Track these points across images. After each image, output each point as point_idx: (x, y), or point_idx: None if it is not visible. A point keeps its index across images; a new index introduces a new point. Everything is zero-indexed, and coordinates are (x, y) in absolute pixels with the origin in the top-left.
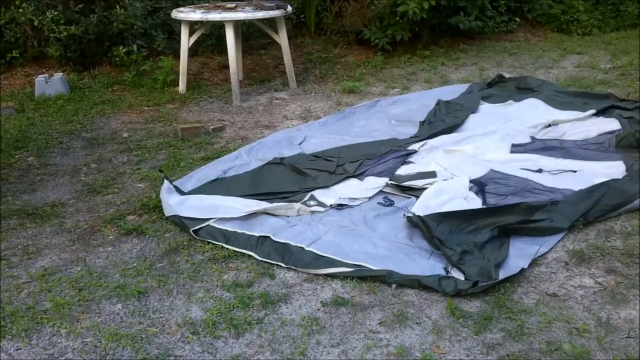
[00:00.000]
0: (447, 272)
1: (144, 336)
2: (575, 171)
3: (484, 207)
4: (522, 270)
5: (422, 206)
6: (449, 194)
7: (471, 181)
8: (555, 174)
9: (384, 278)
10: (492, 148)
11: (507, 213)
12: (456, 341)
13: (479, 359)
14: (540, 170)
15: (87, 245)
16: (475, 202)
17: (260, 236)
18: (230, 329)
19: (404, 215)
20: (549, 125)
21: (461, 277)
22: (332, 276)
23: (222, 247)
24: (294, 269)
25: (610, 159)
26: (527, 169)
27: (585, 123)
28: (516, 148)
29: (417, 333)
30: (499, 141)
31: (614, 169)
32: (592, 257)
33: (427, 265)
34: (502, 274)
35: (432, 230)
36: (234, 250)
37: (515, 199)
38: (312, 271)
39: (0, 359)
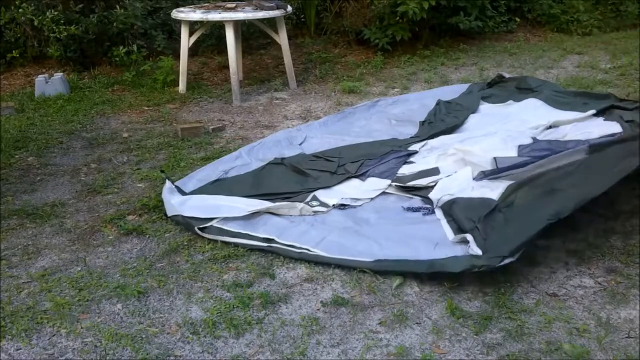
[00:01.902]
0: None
1: (144, 336)
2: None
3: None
4: (522, 269)
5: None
6: (454, 188)
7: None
8: None
9: (401, 265)
10: (498, 151)
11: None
12: (456, 341)
13: (479, 359)
14: None
15: (87, 245)
16: (482, 191)
17: (264, 238)
18: (230, 329)
19: (424, 213)
20: (550, 127)
21: (479, 252)
22: (345, 267)
23: (222, 247)
24: (293, 269)
25: None
26: None
27: (587, 125)
28: (522, 150)
29: (417, 333)
30: (502, 143)
31: None
32: (592, 257)
33: (433, 254)
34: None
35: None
36: (234, 251)
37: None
38: (328, 256)
39: (0, 359)
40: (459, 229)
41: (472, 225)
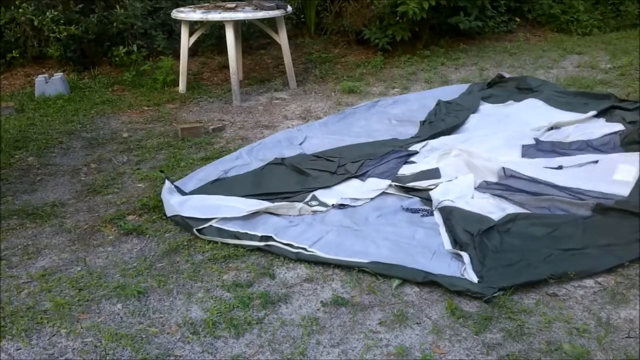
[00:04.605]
0: (462, 272)
1: (144, 336)
2: (596, 161)
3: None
4: None
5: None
6: (454, 194)
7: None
8: (577, 167)
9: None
10: (502, 152)
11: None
12: (456, 341)
13: (479, 359)
14: (560, 167)
15: (87, 245)
16: (482, 203)
17: (262, 236)
18: (230, 329)
19: (422, 214)
20: (551, 128)
21: (474, 278)
22: (343, 267)
23: (222, 247)
24: (292, 269)
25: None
26: (548, 167)
27: (589, 126)
28: (526, 150)
29: (417, 333)
30: (506, 143)
31: (634, 158)
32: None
33: (429, 265)
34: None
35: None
36: (234, 251)
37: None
38: (324, 255)
39: (0, 359)
40: (455, 241)
41: (468, 239)
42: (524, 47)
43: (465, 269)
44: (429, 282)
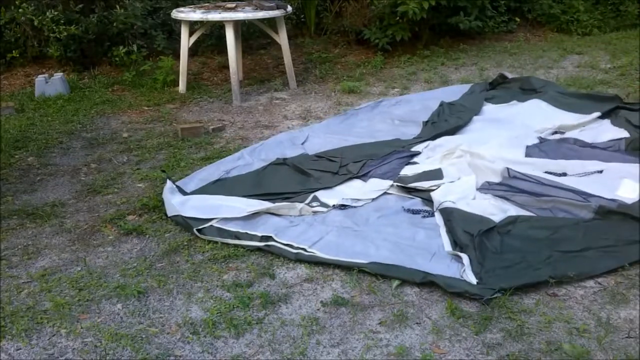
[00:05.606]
0: (462, 273)
1: (144, 336)
2: (601, 171)
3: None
4: None
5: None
6: (456, 195)
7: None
8: (581, 176)
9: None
10: (505, 152)
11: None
12: (456, 341)
13: (479, 359)
14: (564, 174)
15: (87, 245)
16: (483, 204)
17: (262, 236)
18: (230, 329)
19: (424, 215)
20: (556, 132)
21: (473, 280)
22: (342, 267)
23: (222, 247)
24: (292, 269)
25: (630, 161)
26: (551, 172)
27: (593, 130)
28: (531, 150)
29: (417, 333)
30: (509, 143)
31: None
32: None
33: (429, 266)
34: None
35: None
36: (234, 251)
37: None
38: (324, 256)
39: (0, 359)
40: (455, 242)
41: (468, 240)
42: (524, 47)
43: (464, 270)
44: (429, 282)
